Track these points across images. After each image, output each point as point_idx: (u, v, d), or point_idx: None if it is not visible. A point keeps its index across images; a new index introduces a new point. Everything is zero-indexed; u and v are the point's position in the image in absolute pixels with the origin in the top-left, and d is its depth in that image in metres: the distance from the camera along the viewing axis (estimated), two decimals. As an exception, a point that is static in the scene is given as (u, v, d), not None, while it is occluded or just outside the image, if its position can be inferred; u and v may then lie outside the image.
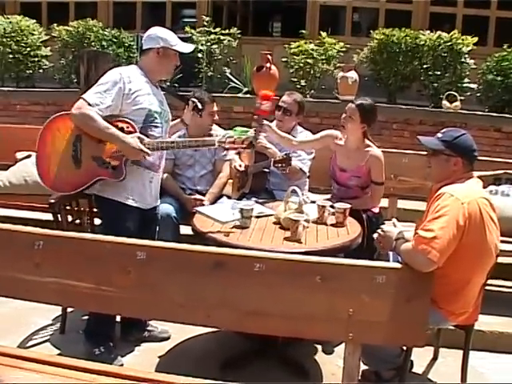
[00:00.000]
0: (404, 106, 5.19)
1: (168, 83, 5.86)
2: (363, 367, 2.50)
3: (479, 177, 3.41)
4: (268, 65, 5.27)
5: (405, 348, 2.29)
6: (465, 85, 5.21)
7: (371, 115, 3.14)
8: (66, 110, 2.60)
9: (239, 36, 6.05)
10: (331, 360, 2.79)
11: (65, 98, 4.68)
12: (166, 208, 3.15)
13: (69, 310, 2.99)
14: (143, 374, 2.05)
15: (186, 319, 2.15)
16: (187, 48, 2.68)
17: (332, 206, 2.69)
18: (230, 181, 3.57)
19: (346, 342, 2.03)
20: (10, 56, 5.60)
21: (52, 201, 2.77)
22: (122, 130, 2.51)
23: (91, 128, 2.47)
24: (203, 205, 3.15)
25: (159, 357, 2.78)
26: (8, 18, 5.72)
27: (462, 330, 2.44)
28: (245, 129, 4.27)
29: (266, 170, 3.32)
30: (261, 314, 2.03)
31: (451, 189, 2.06)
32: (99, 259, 2.21)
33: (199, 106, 3.01)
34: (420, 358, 2.84)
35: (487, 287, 3.46)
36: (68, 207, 2.96)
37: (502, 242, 3.18)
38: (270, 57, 5.31)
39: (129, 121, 2.55)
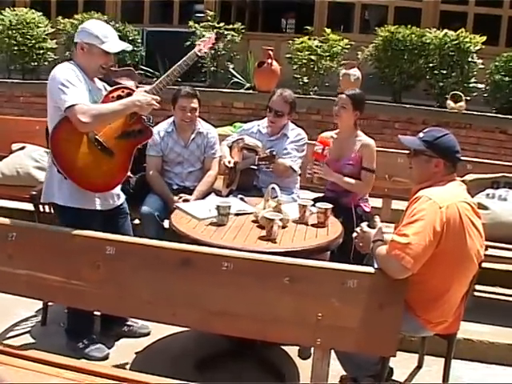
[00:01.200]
0: (407, 105, 5.07)
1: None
2: (342, 372, 2.45)
3: (476, 179, 3.34)
4: (269, 61, 5.22)
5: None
6: (471, 85, 5.07)
7: (362, 103, 3.25)
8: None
9: (243, 31, 5.99)
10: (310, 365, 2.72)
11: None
12: (150, 206, 3.13)
13: (50, 302, 2.98)
14: (108, 371, 2.04)
15: (152, 316, 2.12)
16: (116, 47, 2.46)
17: (314, 206, 2.62)
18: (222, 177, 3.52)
19: (315, 347, 1.96)
20: (15, 48, 5.62)
21: (33, 192, 2.74)
22: (120, 97, 2.44)
23: (108, 119, 2.40)
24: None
25: (136, 353, 2.74)
26: (14, 11, 5.75)
27: (443, 339, 2.35)
28: (243, 124, 4.23)
29: (255, 167, 3.26)
30: (227, 314, 1.99)
31: (429, 192, 1.97)
32: (70, 253, 2.20)
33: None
34: (404, 365, 2.76)
35: (479, 294, 3.38)
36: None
37: (498, 248, 3.12)
38: (271, 53, 5.25)
39: (119, 86, 2.53)
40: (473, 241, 2.00)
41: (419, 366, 2.77)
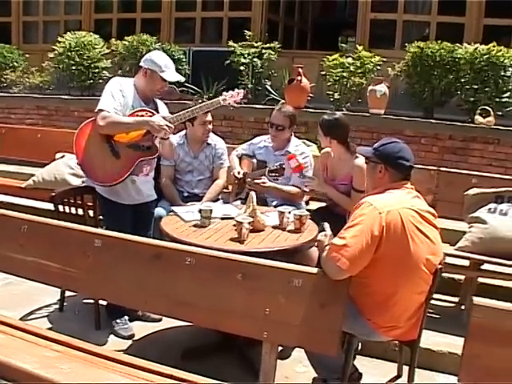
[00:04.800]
0: (433, 121, 5.03)
1: (211, 94, 6.20)
2: (314, 374, 2.56)
3: (480, 193, 3.31)
4: (299, 78, 5.41)
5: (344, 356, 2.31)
6: (504, 99, 4.93)
7: (333, 129, 3.29)
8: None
9: (279, 50, 6.24)
10: (291, 364, 2.85)
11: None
12: (160, 211, 3.39)
13: (72, 293, 3.35)
14: (89, 347, 2.28)
15: (127, 303, 2.39)
16: (173, 77, 2.98)
17: (289, 213, 2.78)
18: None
19: (263, 340, 2.11)
20: (74, 68, 6.26)
21: (53, 194, 3.14)
22: (142, 117, 2.92)
23: (121, 129, 2.88)
24: None
25: (134, 340, 3.02)
26: (74, 34, 6.42)
27: (407, 346, 2.40)
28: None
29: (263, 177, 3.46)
30: (188, 304, 2.20)
31: (372, 198, 2.07)
32: (67, 244, 2.50)
33: None
34: (383, 373, 2.82)
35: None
36: (79, 201, 3.33)
37: (495, 263, 3.08)
38: (300, 70, 5.44)
39: (145, 108, 2.96)
40: (418, 247, 2.06)
41: (398, 376, 2.81)
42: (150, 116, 2.93)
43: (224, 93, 3.22)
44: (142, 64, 3.01)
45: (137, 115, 2.92)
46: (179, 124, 3.13)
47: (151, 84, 2.97)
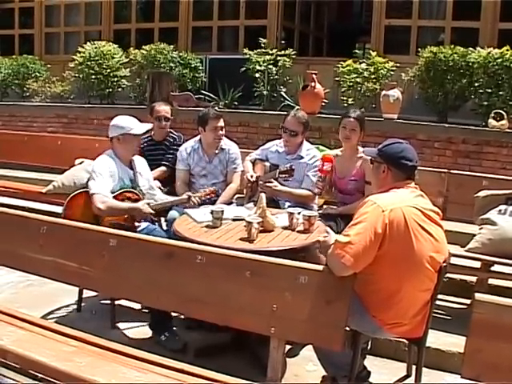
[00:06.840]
0: (446, 125, 5.04)
1: (226, 101, 6.33)
2: (324, 373, 2.60)
3: (490, 195, 3.32)
4: (313, 84, 5.49)
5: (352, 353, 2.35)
6: (519, 103, 4.92)
7: (364, 123, 3.39)
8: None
9: (293, 57, 6.33)
10: (300, 363, 2.89)
11: (134, 113, 5.32)
12: (174, 214, 3.47)
13: (92, 294, 3.46)
14: (104, 343, 2.36)
15: (140, 299, 2.47)
16: (142, 129, 3.21)
17: (299, 214, 2.84)
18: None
19: (270, 336, 2.17)
20: (93, 77, 6.46)
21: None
22: (129, 198, 3.13)
23: (116, 213, 3.07)
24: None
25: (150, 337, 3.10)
26: (94, 44, 6.62)
27: (414, 344, 2.43)
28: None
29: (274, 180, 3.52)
30: (198, 301, 2.27)
31: (375, 197, 2.12)
32: (83, 244, 2.61)
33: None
34: (393, 373, 2.84)
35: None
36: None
37: (505, 264, 3.08)
38: (314, 76, 5.52)
39: (132, 190, 3.16)
40: (422, 245, 2.09)
41: (407, 376, 2.82)
42: (137, 198, 3.15)
43: (202, 190, 3.40)
44: (111, 135, 3.19)
45: (124, 196, 3.12)
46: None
47: (128, 145, 3.17)
